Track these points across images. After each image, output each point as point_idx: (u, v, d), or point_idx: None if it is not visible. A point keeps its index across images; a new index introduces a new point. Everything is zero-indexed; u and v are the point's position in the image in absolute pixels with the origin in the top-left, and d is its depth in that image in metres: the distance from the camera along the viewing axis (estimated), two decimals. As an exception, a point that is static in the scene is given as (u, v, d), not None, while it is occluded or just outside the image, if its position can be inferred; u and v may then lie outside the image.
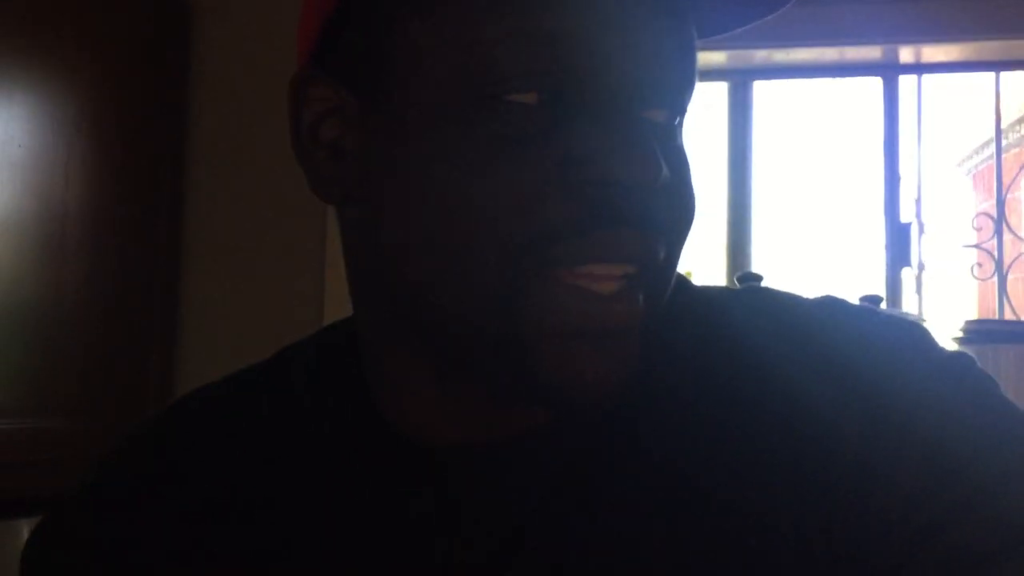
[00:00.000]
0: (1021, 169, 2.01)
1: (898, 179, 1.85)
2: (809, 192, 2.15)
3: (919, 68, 1.87)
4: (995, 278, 1.83)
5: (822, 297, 0.55)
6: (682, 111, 0.48)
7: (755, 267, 1.88)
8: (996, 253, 1.83)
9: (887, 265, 1.85)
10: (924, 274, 1.84)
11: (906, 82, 1.88)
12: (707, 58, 1.83)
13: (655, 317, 0.47)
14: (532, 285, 0.44)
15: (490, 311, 0.45)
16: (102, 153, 1.58)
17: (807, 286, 1.94)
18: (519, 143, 0.44)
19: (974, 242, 1.87)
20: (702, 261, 1.95)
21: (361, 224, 0.49)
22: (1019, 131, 2.84)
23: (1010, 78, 1.92)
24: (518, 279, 0.44)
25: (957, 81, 2.12)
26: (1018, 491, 0.45)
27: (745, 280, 1.63)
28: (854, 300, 0.54)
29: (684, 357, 0.52)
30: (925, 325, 0.53)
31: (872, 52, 1.84)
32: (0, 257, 1.38)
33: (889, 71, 1.87)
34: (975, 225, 1.87)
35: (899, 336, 0.51)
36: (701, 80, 0.48)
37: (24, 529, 1.35)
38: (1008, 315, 1.81)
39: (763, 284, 0.49)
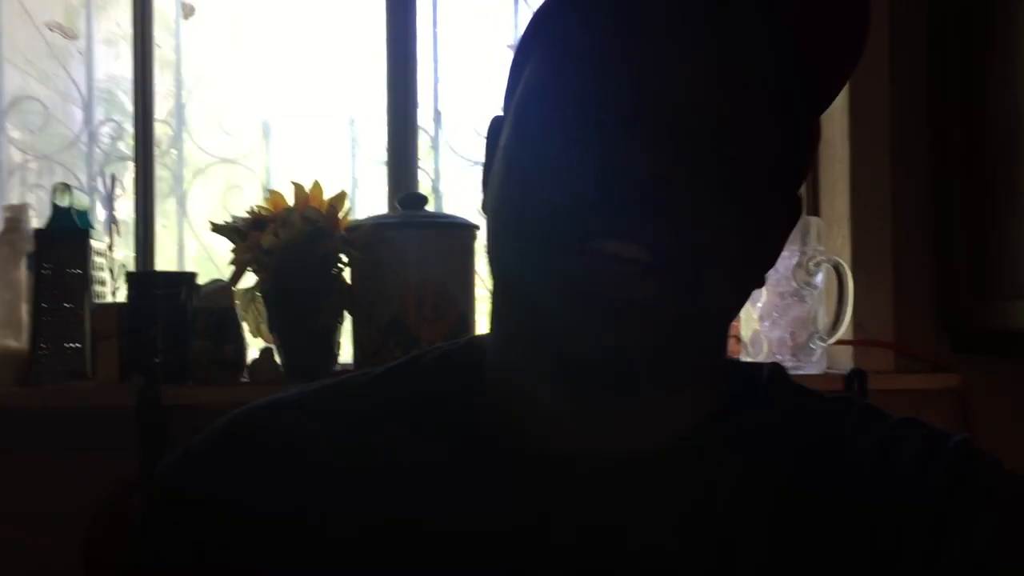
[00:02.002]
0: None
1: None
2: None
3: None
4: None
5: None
6: (761, 150, 0.53)
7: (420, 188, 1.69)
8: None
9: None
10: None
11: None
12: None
13: (690, 317, 0.52)
14: (564, 255, 0.51)
15: (524, 287, 0.54)
16: None
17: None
18: (578, 143, 0.52)
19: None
20: (362, 181, 1.75)
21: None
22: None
23: None
24: (551, 249, 0.51)
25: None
26: None
27: (406, 202, 1.47)
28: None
29: (790, 413, 0.60)
30: None
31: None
32: None
33: None
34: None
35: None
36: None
37: None
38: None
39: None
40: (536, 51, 0.57)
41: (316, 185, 1.44)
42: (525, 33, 0.60)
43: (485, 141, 0.63)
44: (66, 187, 1.42)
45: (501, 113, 0.62)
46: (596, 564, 0.53)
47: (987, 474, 0.54)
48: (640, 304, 0.50)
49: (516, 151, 0.56)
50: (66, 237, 1.40)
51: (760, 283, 0.60)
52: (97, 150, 1.69)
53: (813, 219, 1.58)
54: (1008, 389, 1.63)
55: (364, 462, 0.58)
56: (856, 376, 1.54)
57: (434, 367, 0.63)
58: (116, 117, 1.71)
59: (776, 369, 0.63)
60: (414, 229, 1.40)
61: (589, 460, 0.56)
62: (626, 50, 0.52)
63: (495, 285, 0.58)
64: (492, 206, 0.57)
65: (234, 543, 0.57)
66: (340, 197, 1.45)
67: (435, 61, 1.74)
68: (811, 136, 0.59)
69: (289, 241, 1.33)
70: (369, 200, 1.74)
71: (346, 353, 1.48)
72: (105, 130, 1.70)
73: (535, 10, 0.60)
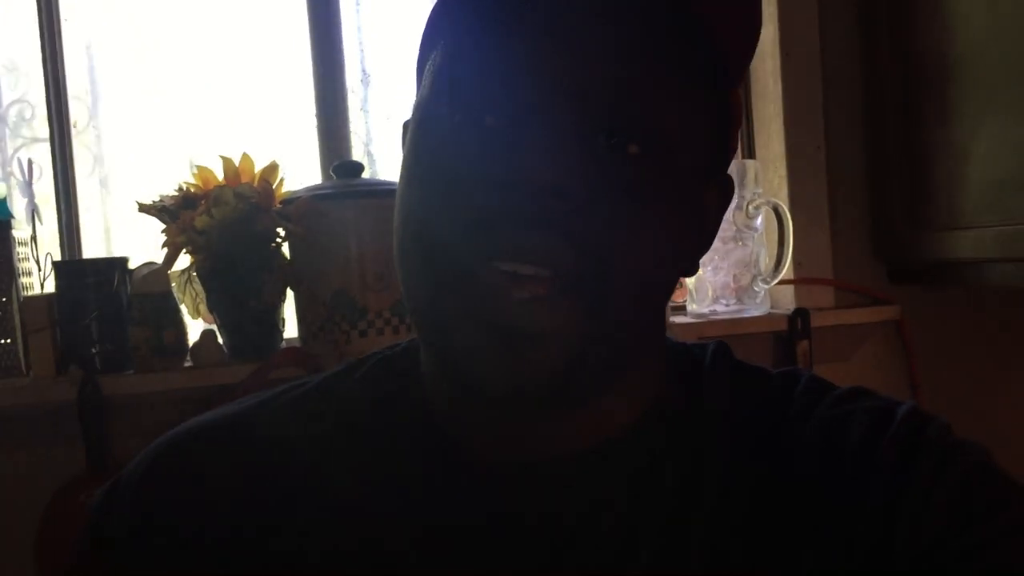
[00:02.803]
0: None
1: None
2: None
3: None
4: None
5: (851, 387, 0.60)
6: (635, 136, 0.50)
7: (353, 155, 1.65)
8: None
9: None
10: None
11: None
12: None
13: (600, 330, 0.50)
14: (459, 277, 0.49)
15: (426, 310, 0.51)
16: None
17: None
18: (469, 154, 0.49)
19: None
20: (293, 149, 1.69)
21: None
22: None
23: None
24: (445, 271, 0.49)
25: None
26: None
27: (342, 170, 1.42)
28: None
29: (733, 403, 0.58)
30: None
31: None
32: None
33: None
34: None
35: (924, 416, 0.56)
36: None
37: None
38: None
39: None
40: (432, 54, 0.55)
41: (245, 158, 1.39)
42: (423, 35, 0.57)
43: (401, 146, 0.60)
44: (-20, 176, 1.35)
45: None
46: (544, 563, 0.53)
47: (934, 451, 0.53)
48: (541, 330, 0.48)
49: (411, 164, 0.53)
50: (-15, 229, 1.34)
51: (691, 271, 0.58)
52: (7, 131, 1.61)
53: (750, 162, 1.58)
54: (944, 317, 1.67)
55: (306, 480, 0.57)
56: (799, 315, 1.56)
57: (373, 376, 0.62)
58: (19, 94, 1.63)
59: (720, 349, 0.62)
60: (351, 199, 1.36)
61: (525, 464, 0.55)
62: (513, 48, 0.49)
63: (405, 301, 0.55)
64: (395, 220, 0.54)
65: (169, 572, 0.56)
66: (272, 169, 1.40)
67: (358, 17, 1.69)
68: (729, 113, 0.57)
69: (224, 220, 1.28)
70: (297, 166, 1.70)
71: (292, 328, 1.45)
72: (14, 110, 1.62)
73: (431, 11, 0.56)
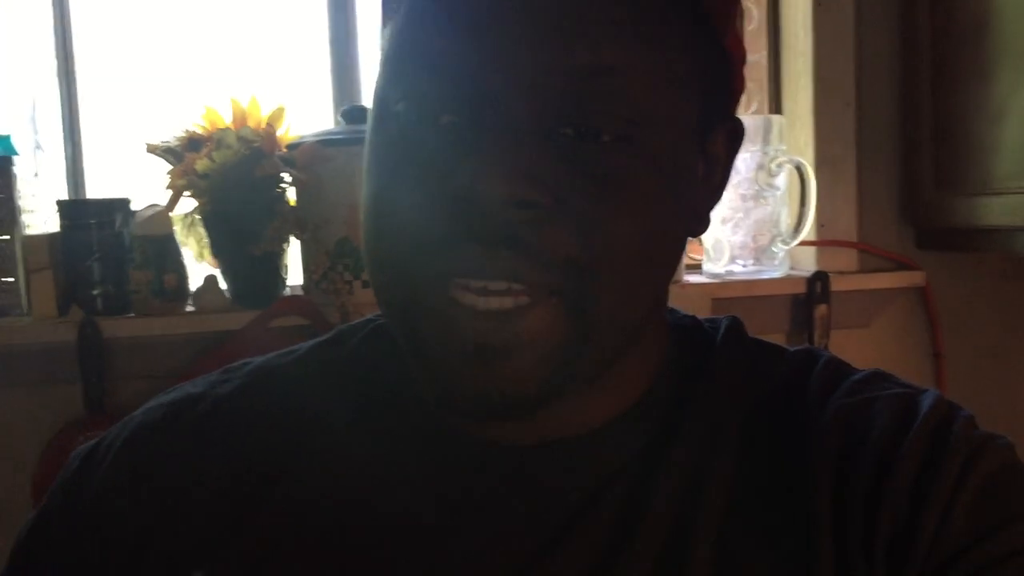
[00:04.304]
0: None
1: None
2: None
3: None
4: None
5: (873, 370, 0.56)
6: (609, 128, 0.45)
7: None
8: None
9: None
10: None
11: None
12: None
13: (587, 330, 0.47)
14: (425, 293, 0.46)
15: (397, 322, 0.49)
16: None
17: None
18: (427, 161, 0.46)
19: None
20: (306, 93, 1.64)
21: None
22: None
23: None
24: (412, 287, 0.47)
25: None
26: None
27: (350, 115, 1.39)
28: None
29: (739, 383, 0.55)
30: None
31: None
32: None
33: None
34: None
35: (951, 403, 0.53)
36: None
37: None
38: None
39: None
40: (386, 27, 0.50)
41: (253, 101, 1.36)
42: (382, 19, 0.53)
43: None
44: (-17, 112, 1.33)
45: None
46: (534, 549, 0.50)
47: (959, 452, 0.49)
48: (513, 345, 0.45)
49: (369, 165, 0.50)
50: (-12, 166, 1.32)
51: (699, 229, 0.54)
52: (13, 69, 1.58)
53: (775, 117, 1.52)
54: (971, 285, 1.62)
55: (296, 453, 0.55)
56: (818, 278, 1.51)
57: (365, 347, 0.59)
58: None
59: (733, 325, 0.58)
60: (358, 145, 1.32)
61: (513, 448, 0.53)
62: (465, 38, 0.45)
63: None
64: (362, 220, 0.50)
65: (135, 549, 0.54)
66: (278, 113, 1.37)
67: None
68: (727, 53, 0.51)
69: (225, 164, 1.25)
70: (316, 114, 1.66)
71: (296, 275, 1.43)
72: (20, 47, 1.59)
73: None
